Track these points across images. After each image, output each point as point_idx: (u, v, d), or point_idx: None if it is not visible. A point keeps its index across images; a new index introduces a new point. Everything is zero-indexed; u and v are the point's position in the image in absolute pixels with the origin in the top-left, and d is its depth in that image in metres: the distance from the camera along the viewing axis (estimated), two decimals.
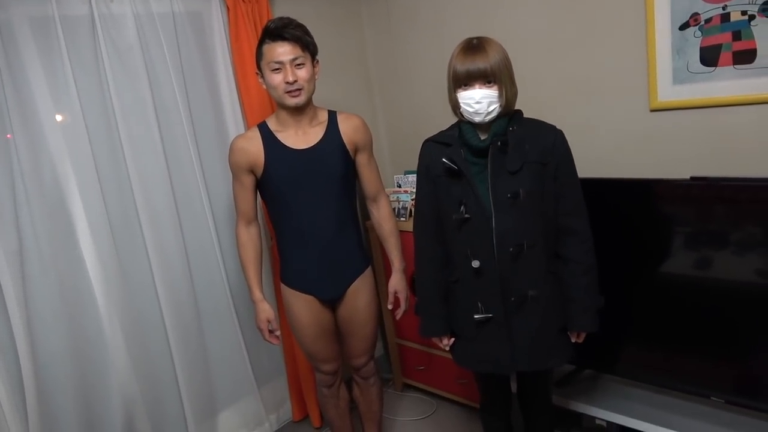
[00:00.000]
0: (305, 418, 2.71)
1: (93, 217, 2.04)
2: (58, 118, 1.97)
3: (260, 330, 2.01)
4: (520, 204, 1.56)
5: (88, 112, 2.02)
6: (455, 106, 1.60)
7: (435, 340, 1.78)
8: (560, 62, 2.27)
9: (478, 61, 1.51)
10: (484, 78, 1.52)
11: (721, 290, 1.76)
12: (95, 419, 2.11)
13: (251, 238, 1.99)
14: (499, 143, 1.57)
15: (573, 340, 1.69)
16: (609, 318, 1.95)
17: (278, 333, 2.02)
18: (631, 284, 1.94)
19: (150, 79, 2.14)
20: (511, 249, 1.56)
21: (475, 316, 1.62)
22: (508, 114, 1.60)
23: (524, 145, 1.58)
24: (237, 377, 2.51)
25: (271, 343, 2.02)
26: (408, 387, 2.84)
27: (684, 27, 1.94)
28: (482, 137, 1.60)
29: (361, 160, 1.99)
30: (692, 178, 1.74)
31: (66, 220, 2.00)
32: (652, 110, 2.08)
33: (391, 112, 3.02)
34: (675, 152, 2.05)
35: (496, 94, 1.53)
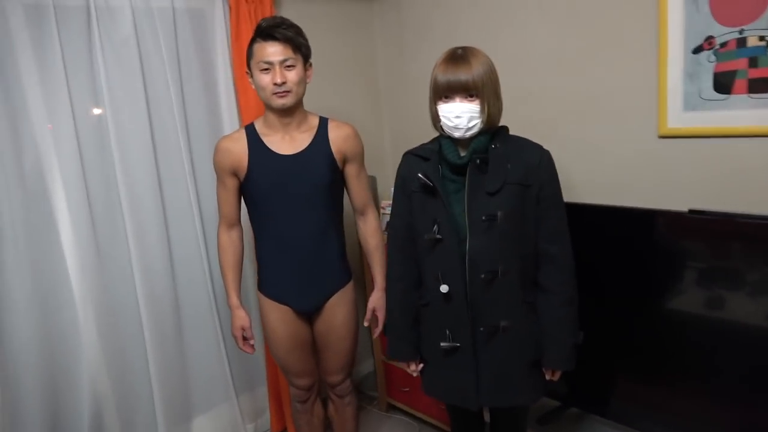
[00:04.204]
0: (284, 430, 2.63)
1: (75, 210, 2.02)
2: (47, 107, 1.95)
3: (235, 337, 1.95)
4: (496, 227, 1.46)
5: (78, 103, 2.01)
6: (435, 118, 1.52)
7: (402, 364, 1.69)
8: (568, 81, 2.16)
9: (460, 72, 1.42)
10: (466, 91, 1.43)
11: (723, 330, 1.62)
12: (62, 411, 2.08)
13: (232, 242, 1.94)
14: (478, 161, 1.47)
15: (547, 378, 1.58)
16: (599, 354, 1.84)
17: (252, 342, 1.96)
18: (626, 319, 1.82)
19: (144, 73, 2.12)
20: (482, 275, 1.46)
21: (442, 344, 1.53)
22: (491, 130, 1.51)
23: (506, 165, 1.48)
24: (215, 382, 2.46)
25: (245, 351, 1.97)
26: (392, 408, 2.74)
27: (698, 50, 1.81)
28: (462, 153, 1.51)
29: (350, 171, 1.91)
30: (690, 211, 1.61)
31: (47, 211, 1.99)
32: (661, 137, 1.95)
33: (397, 124, 2.95)
34: (682, 182, 1.92)
35: (478, 109, 1.44)
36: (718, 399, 1.64)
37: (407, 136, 2.89)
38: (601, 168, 2.10)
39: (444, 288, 1.49)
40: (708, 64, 1.80)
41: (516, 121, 2.23)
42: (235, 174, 1.84)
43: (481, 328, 1.49)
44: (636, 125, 2.00)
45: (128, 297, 2.19)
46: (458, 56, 1.45)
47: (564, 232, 1.53)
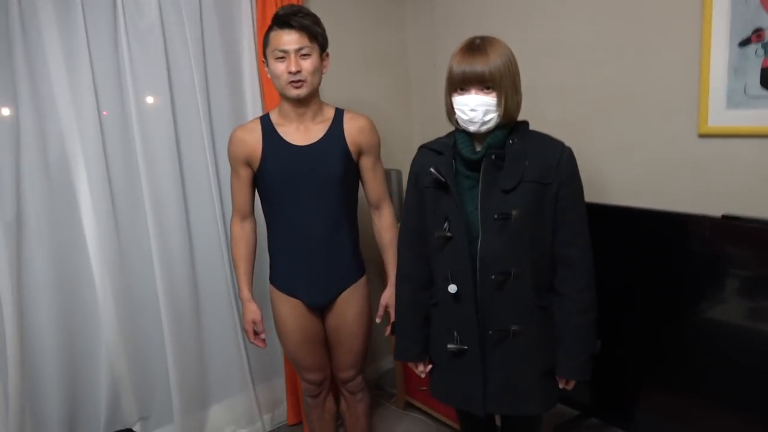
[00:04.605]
0: (300, 423, 2.62)
1: (97, 196, 2.05)
2: (71, 92, 1.97)
3: (246, 331, 1.94)
4: (510, 227, 1.39)
5: (102, 89, 2.03)
6: (450, 111, 1.45)
7: (410, 365, 1.64)
8: (603, 74, 2.05)
9: (477, 63, 1.35)
10: (482, 83, 1.36)
11: (758, 342, 1.50)
12: (80, 393, 2.12)
13: (245, 234, 1.92)
14: (493, 157, 1.40)
15: (561, 386, 1.49)
16: (626, 363, 1.75)
17: (263, 336, 1.95)
18: (655, 327, 1.71)
19: (168, 61, 2.13)
20: (493, 276, 1.39)
21: (448, 346, 1.46)
22: (509, 125, 1.43)
23: (524, 161, 1.41)
24: (232, 372, 2.46)
25: (256, 345, 1.95)
26: (410, 406, 2.68)
27: (744, 43, 1.68)
28: (478, 148, 1.44)
29: (365, 163, 1.87)
30: (723, 217, 1.49)
31: (69, 194, 2.02)
32: (701, 136, 1.83)
33: (427, 118, 2.88)
34: (722, 185, 1.79)
35: (494, 102, 1.37)
36: (756, 417, 1.52)
37: (437, 130, 2.81)
38: (636, 168, 1.99)
39: (452, 288, 1.43)
40: (755, 58, 1.67)
41: (547, 117, 2.15)
42: (248, 164, 1.82)
43: (490, 332, 1.42)
44: (674, 123, 1.88)
45: (147, 283, 2.20)
46: (475, 46, 1.38)
47: (583, 234, 1.44)
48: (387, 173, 2.35)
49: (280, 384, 2.62)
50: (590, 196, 1.88)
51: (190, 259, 2.28)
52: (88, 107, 2.00)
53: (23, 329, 1.95)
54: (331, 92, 2.60)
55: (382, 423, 2.60)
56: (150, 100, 2.12)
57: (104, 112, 2.04)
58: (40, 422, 2.03)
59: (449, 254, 1.45)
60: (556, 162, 1.41)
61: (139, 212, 2.16)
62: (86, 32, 1.96)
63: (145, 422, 2.30)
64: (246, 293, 1.91)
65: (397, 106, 2.86)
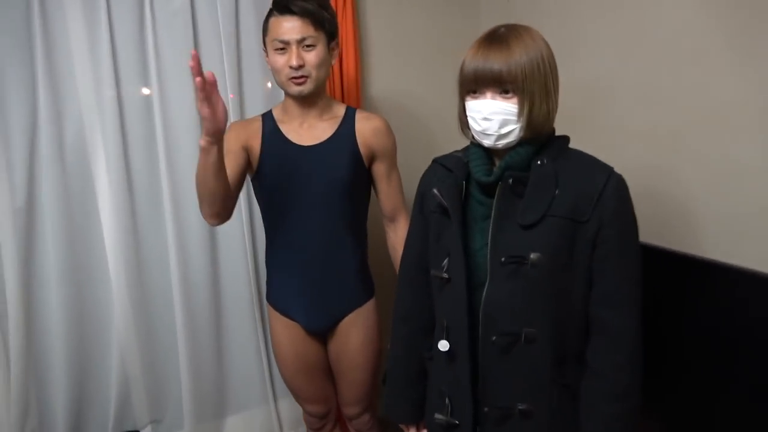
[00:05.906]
0: None
1: (115, 184, 1.94)
2: (93, 72, 1.87)
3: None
4: (526, 274, 1.05)
5: (124, 71, 1.92)
6: (462, 119, 1.14)
7: (402, 426, 1.35)
8: (709, 76, 1.56)
9: (494, 59, 1.03)
10: (498, 84, 1.03)
11: None
12: (88, 390, 2.04)
13: None
14: (510, 181, 1.07)
15: None
16: None
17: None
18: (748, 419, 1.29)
19: (198, 49, 1.97)
20: (494, 338, 1.07)
21: (436, 416, 1.16)
22: (539, 140, 1.09)
23: (552, 189, 1.06)
24: (252, 382, 2.28)
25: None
26: None
27: None
28: (496, 168, 1.11)
29: (378, 170, 1.61)
30: None
31: (86, 181, 1.93)
32: None
33: None
34: None
35: (515, 111, 1.04)
36: None
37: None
38: (742, 205, 1.48)
39: (443, 345, 1.12)
40: None
41: (626, 127, 1.72)
42: (246, 150, 1.55)
43: (486, 409, 1.10)
44: None
45: (165, 279, 2.07)
46: (497, 37, 1.05)
47: (629, 293, 1.06)
48: None
49: None
50: (668, 239, 1.46)
51: (211, 256, 2.13)
52: (108, 90, 1.89)
53: (30, 321, 1.90)
54: (383, 86, 2.34)
55: None
56: (175, 88, 1.97)
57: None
58: (45, 417, 1.98)
59: (446, 300, 1.15)
60: (598, 193, 1.05)
61: (158, 205, 2.03)
62: (108, 13, 1.85)
63: (156, 425, 2.19)
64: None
65: (452, 105, 2.52)
